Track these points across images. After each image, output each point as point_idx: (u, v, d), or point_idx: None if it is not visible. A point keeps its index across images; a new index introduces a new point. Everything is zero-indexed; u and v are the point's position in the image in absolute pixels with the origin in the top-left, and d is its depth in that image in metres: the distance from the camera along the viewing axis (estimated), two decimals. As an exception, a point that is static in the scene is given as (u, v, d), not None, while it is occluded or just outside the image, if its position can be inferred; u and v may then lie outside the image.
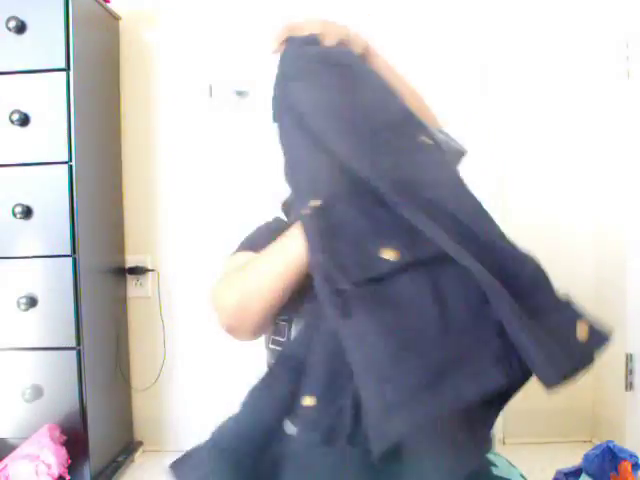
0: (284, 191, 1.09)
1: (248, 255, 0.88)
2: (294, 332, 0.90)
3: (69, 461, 1.50)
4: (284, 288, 0.77)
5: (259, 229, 1.02)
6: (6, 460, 1.46)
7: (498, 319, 0.61)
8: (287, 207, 1.07)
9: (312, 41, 0.83)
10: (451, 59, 1.86)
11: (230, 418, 0.77)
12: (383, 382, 0.59)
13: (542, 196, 1.88)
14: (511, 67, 1.86)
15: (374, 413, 0.59)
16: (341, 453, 0.67)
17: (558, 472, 1.31)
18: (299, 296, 0.85)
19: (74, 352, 1.54)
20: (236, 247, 1.00)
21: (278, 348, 0.92)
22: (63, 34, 1.51)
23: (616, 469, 1.21)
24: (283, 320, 0.95)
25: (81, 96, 1.56)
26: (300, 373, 0.72)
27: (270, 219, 1.07)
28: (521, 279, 0.64)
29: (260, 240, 0.90)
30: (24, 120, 1.52)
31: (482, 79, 1.84)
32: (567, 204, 1.88)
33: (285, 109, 0.80)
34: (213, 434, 0.80)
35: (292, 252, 0.74)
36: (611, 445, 1.24)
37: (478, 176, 1.86)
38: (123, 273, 1.89)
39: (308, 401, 0.68)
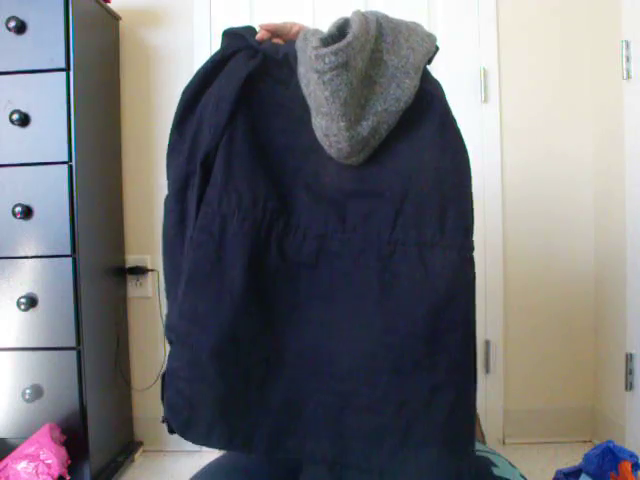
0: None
1: None
2: None
3: (69, 461, 1.50)
4: None
5: None
6: (6, 460, 1.46)
7: None
8: None
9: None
10: (451, 63, 1.86)
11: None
12: None
13: (542, 199, 1.88)
14: (511, 68, 1.86)
15: None
16: None
17: (558, 472, 1.31)
18: None
19: (74, 352, 1.54)
20: None
21: None
22: (63, 34, 1.51)
23: (616, 469, 1.21)
24: None
25: (81, 96, 1.56)
26: None
27: None
28: None
29: None
30: (24, 120, 1.52)
31: (483, 79, 1.85)
32: (567, 205, 1.88)
33: None
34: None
35: None
36: (611, 445, 1.24)
37: (478, 175, 1.86)
38: (123, 273, 1.89)
39: None
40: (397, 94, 0.73)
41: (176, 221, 0.80)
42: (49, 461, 1.44)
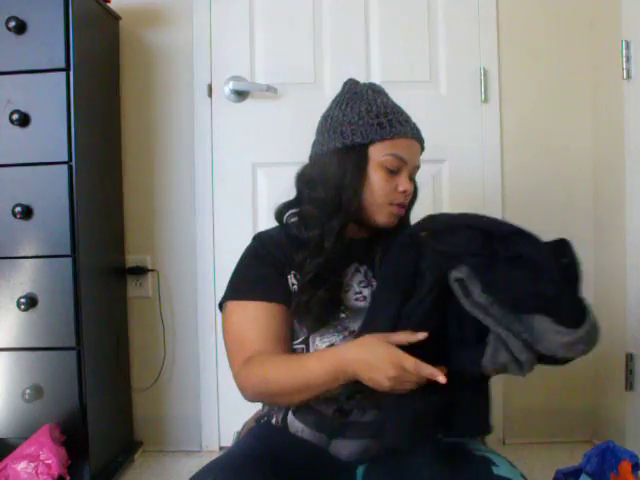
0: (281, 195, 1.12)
1: (244, 308, 1.00)
2: (313, 349, 0.98)
3: (69, 461, 1.50)
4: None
5: (246, 268, 1.07)
6: (6, 460, 1.46)
7: None
8: (280, 214, 1.10)
9: None
10: (451, 63, 1.86)
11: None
12: None
13: (542, 198, 1.88)
14: (511, 68, 1.86)
15: None
16: None
17: (558, 472, 1.30)
18: (306, 319, 0.97)
19: (74, 352, 1.54)
20: (227, 290, 1.07)
21: None
22: (63, 34, 1.51)
23: (616, 469, 1.21)
24: (299, 344, 0.99)
25: (81, 96, 1.56)
26: None
27: (253, 241, 1.11)
28: None
29: (249, 285, 1.02)
30: (24, 120, 1.51)
31: (483, 79, 1.85)
32: (567, 205, 1.88)
33: None
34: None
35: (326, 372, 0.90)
36: (611, 445, 1.24)
37: (478, 175, 1.86)
38: (123, 273, 1.89)
39: None
40: None
41: None
42: (49, 461, 1.44)
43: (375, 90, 1.07)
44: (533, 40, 1.86)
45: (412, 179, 1.06)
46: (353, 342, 0.89)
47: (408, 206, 1.08)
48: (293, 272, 1.02)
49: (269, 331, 0.98)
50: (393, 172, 1.01)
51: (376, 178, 1.00)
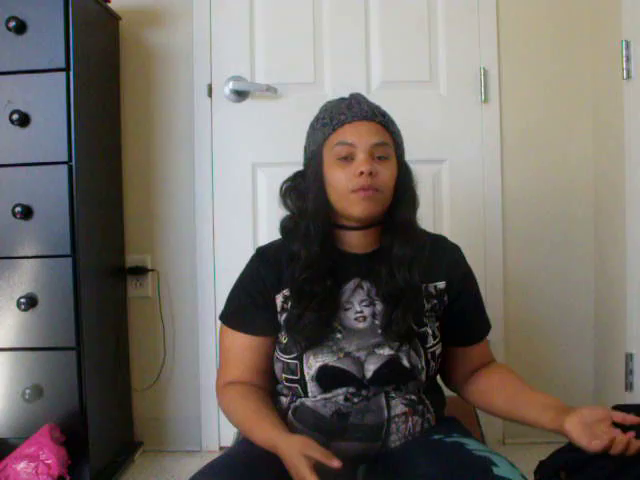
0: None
1: (231, 335, 1.07)
2: (306, 368, 0.97)
3: (69, 461, 1.50)
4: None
5: (235, 295, 1.11)
6: (6, 460, 1.46)
7: None
8: (285, 228, 1.08)
9: None
10: (451, 63, 1.86)
11: None
12: None
13: (542, 198, 1.87)
14: (511, 68, 1.86)
15: None
16: None
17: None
18: (298, 339, 0.98)
19: (74, 352, 1.54)
20: (222, 310, 1.11)
21: (293, 385, 0.99)
22: (63, 34, 1.51)
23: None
24: (293, 359, 0.99)
25: (81, 96, 1.56)
26: None
27: (251, 259, 1.11)
28: None
29: (235, 315, 1.08)
30: (24, 120, 1.51)
31: (483, 79, 1.85)
32: (567, 204, 1.88)
33: None
34: None
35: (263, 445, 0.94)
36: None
37: (478, 176, 1.86)
38: (123, 273, 1.89)
39: None
40: None
41: None
42: (49, 461, 1.44)
43: (344, 97, 1.06)
44: (533, 40, 1.86)
45: (381, 158, 0.99)
46: (291, 437, 0.90)
47: (409, 202, 1.03)
48: (289, 288, 1.03)
49: (249, 362, 1.05)
50: (347, 159, 0.98)
51: (332, 173, 0.99)
